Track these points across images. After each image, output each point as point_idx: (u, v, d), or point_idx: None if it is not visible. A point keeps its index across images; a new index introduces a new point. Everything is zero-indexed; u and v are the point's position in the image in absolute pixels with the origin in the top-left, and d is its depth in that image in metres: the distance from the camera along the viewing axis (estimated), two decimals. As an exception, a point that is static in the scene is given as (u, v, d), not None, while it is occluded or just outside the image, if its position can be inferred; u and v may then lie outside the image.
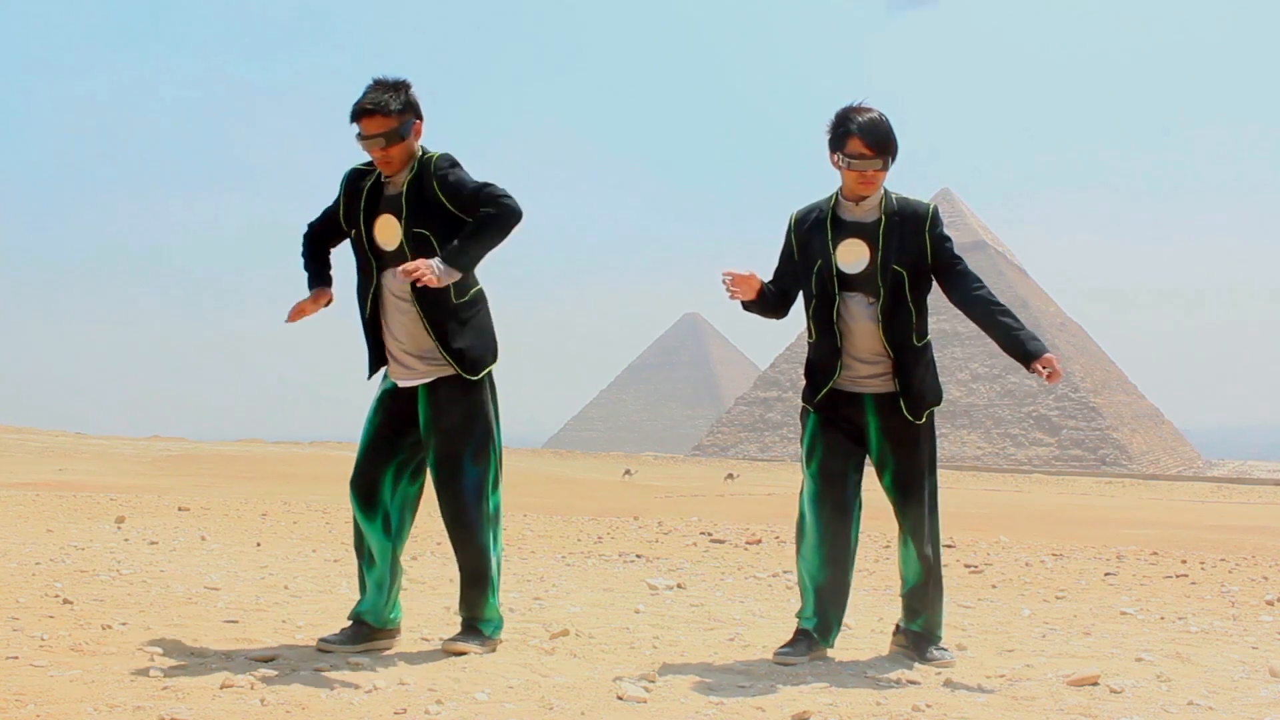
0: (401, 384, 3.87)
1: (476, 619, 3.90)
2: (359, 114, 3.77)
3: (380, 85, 3.78)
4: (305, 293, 4.04)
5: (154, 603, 4.79)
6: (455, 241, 3.71)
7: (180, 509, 11.73)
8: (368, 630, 3.88)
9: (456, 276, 3.69)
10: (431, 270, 3.59)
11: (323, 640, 3.85)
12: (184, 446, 41.28)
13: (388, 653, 3.82)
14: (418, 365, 3.84)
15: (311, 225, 4.08)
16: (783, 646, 3.89)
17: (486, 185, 3.78)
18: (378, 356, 3.94)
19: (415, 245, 3.78)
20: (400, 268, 3.60)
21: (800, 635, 3.90)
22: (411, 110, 3.80)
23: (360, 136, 3.79)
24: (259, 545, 7.87)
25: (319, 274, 4.04)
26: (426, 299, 3.77)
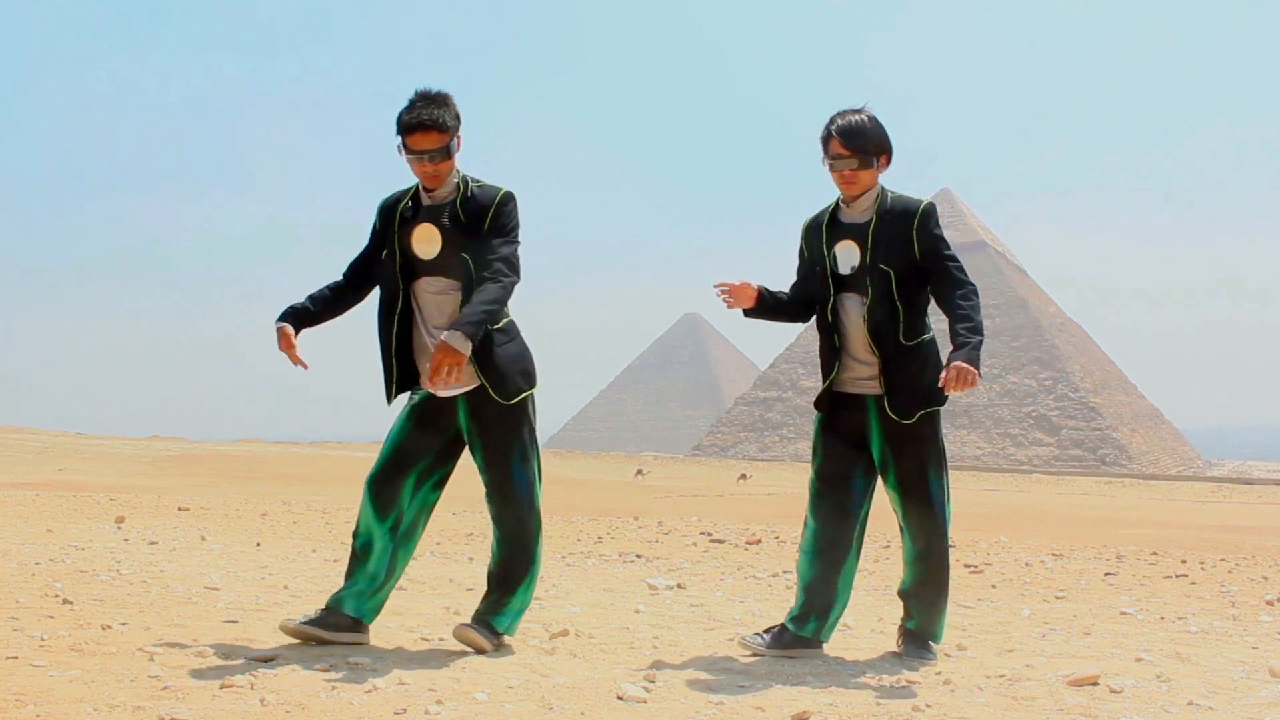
0: (441, 393, 3.81)
1: (495, 612, 3.87)
2: (412, 128, 3.71)
3: (429, 99, 3.74)
4: (304, 330, 3.95)
5: (154, 603, 4.79)
6: (475, 310, 3.66)
7: (180, 509, 11.73)
8: (343, 620, 3.86)
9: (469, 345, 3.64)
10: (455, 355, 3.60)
11: (287, 620, 3.86)
12: (184, 446, 41.26)
13: (387, 653, 3.82)
14: (462, 374, 3.77)
15: (348, 268, 4.01)
16: (754, 634, 4.01)
17: (514, 250, 3.81)
18: (406, 377, 3.88)
19: (455, 261, 3.78)
20: (431, 379, 3.61)
21: (775, 628, 3.99)
22: (459, 123, 3.80)
23: (408, 150, 3.75)
24: (259, 545, 7.87)
25: (298, 310, 3.93)
26: None
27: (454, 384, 3.77)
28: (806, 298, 4.07)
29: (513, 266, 3.77)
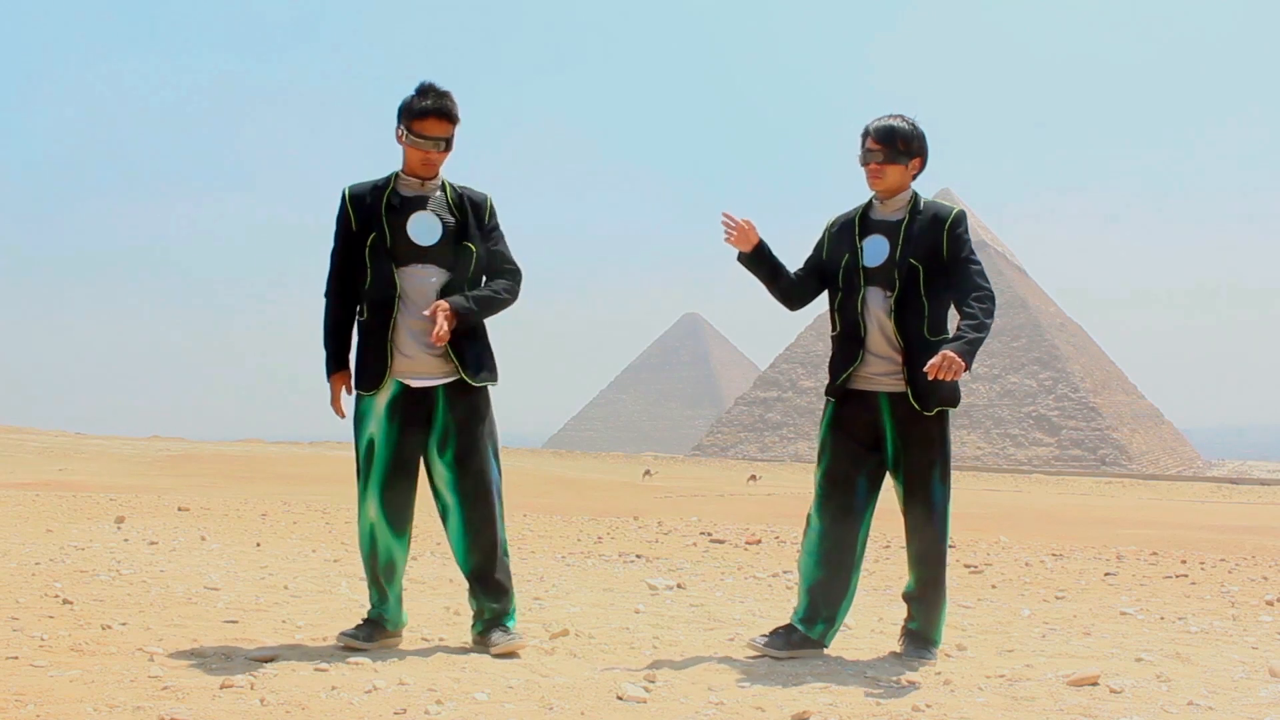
0: (415, 384, 3.84)
1: (505, 613, 3.93)
2: (426, 114, 3.79)
3: (440, 91, 3.82)
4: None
5: (154, 603, 4.79)
6: (484, 294, 3.88)
7: (180, 509, 11.72)
8: (383, 632, 3.95)
9: (470, 319, 3.82)
10: (448, 312, 3.74)
11: (343, 634, 3.90)
12: (184, 446, 41.27)
13: (388, 653, 3.83)
14: (438, 364, 3.84)
15: (330, 282, 3.94)
16: (761, 635, 3.98)
17: (511, 257, 4.02)
18: (384, 365, 3.81)
19: (450, 249, 3.86)
20: (435, 321, 3.71)
21: (782, 628, 3.97)
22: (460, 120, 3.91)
23: (418, 135, 3.80)
24: (259, 545, 7.86)
25: (339, 354, 3.97)
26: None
27: (429, 375, 3.85)
28: (803, 285, 4.12)
29: (516, 272, 4.01)
